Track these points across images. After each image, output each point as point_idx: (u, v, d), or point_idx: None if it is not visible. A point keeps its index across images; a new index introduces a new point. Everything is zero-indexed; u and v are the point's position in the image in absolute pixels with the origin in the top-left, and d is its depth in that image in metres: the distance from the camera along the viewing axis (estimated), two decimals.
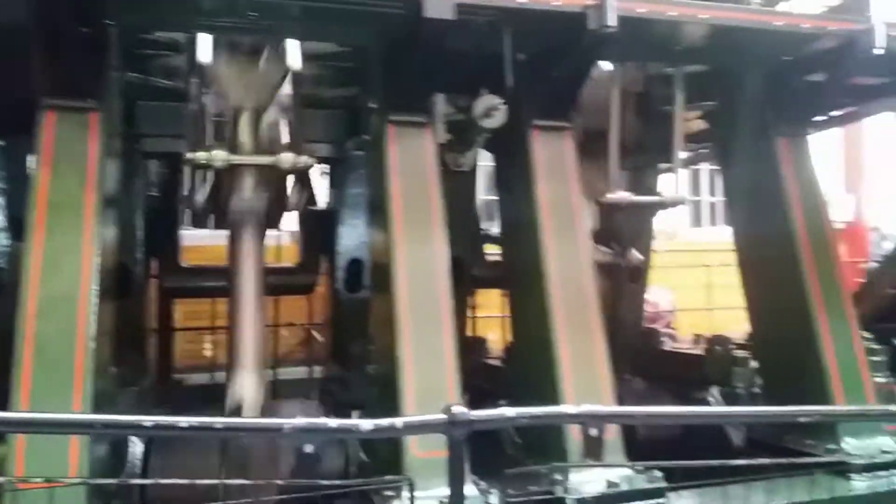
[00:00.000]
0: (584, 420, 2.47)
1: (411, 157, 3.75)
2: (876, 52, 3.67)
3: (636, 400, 5.27)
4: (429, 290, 3.53)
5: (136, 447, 3.50)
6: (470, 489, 3.13)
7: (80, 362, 3.03)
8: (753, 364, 4.89)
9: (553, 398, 3.54)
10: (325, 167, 6.79)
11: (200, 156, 3.64)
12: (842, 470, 3.69)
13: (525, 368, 4.14)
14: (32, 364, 2.98)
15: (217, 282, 5.11)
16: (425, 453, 3.12)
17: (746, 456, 3.75)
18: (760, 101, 4.39)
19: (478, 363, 6.49)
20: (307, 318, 7.56)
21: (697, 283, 12.81)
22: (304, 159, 3.80)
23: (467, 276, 6.20)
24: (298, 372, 7.16)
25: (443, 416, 2.19)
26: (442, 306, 3.54)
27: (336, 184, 6.67)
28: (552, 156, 4.00)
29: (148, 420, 2.27)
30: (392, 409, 3.24)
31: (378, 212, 3.86)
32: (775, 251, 4.39)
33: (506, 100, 3.89)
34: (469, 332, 7.26)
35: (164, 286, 6.30)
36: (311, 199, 6.46)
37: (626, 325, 6.17)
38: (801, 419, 3.01)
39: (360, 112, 4.51)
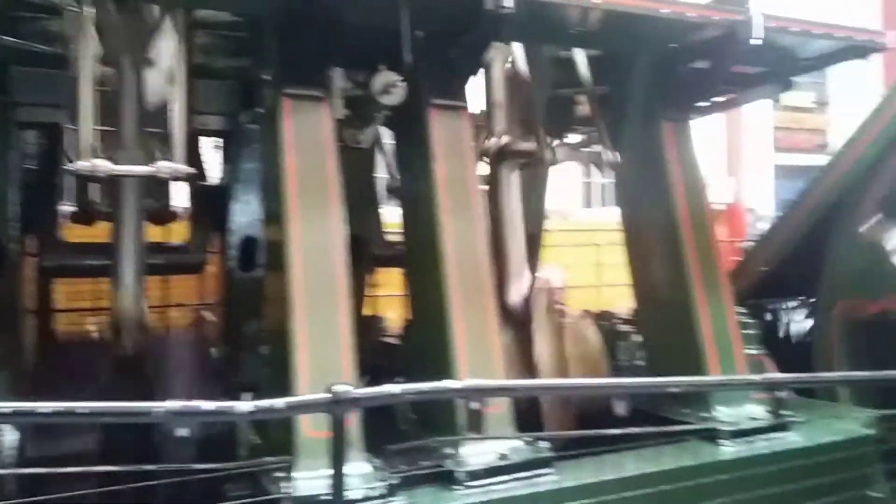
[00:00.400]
0: (468, 395, 2.51)
1: (307, 131, 3.67)
2: (753, 42, 3.88)
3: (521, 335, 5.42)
4: (324, 268, 3.49)
5: (7, 436, 3.30)
6: (361, 467, 3.15)
7: None
8: (637, 338, 5.14)
9: (448, 374, 3.59)
10: (218, 140, 6.56)
11: (83, 166, 3.44)
12: (712, 436, 3.94)
13: (422, 346, 4.18)
14: None
15: (101, 260, 4.87)
16: (316, 433, 3.09)
17: (630, 426, 3.95)
18: (648, 86, 4.58)
19: (377, 342, 6.50)
20: (198, 298, 7.31)
21: (588, 261, 13.29)
22: (182, 168, 3.64)
23: (367, 254, 6.17)
24: None
25: (326, 396, 2.18)
26: (338, 285, 3.50)
27: (229, 158, 6.44)
28: (449, 135, 4.02)
29: (6, 406, 2.13)
30: (285, 390, 3.20)
31: (272, 188, 3.76)
32: (658, 231, 4.62)
33: (405, 77, 3.87)
34: (370, 312, 7.25)
35: (43, 264, 5.92)
36: (202, 174, 6.26)
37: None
38: (670, 389, 3.17)
39: (255, 84, 4.38)
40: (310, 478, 2.94)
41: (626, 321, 5.53)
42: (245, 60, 4.64)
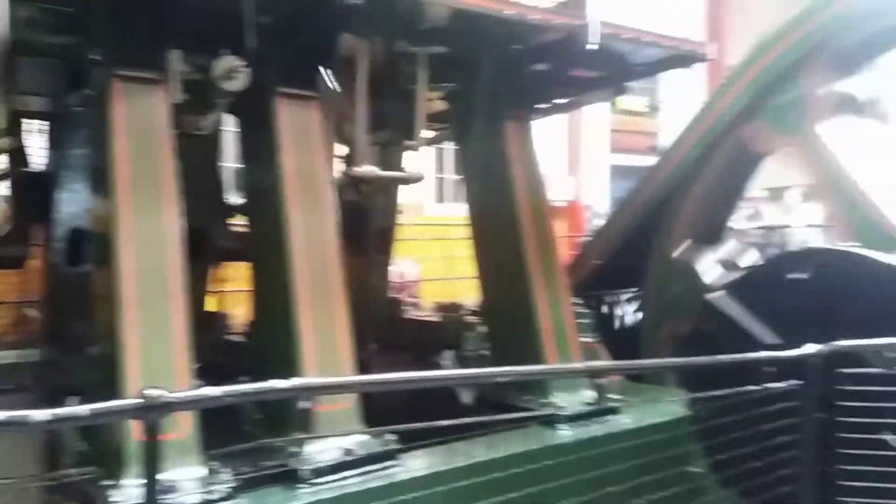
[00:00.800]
0: (296, 394, 2.44)
1: (140, 116, 3.44)
2: (590, 46, 4.09)
3: (379, 368, 5.46)
4: (157, 262, 3.29)
5: None
6: (197, 470, 3.02)
7: None
8: (482, 329, 5.30)
9: (294, 372, 3.52)
10: (43, 123, 6.00)
11: None
12: (552, 421, 4.15)
13: (267, 343, 4.06)
14: None
15: None
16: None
17: (477, 414, 4.06)
18: (493, 85, 4.72)
19: (221, 340, 6.25)
20: (20, 294, 6.67)
21: (441, 254, 13.52)
22: None
23: (210, 248, 5.91)
24: (9, 356, 6.31)
25: (137, 401, 2.04)
26: (172, 280, 3.32)
27: (55, 143, 5.92)
28: (298, 125, 3.93)
29: None
30: (114, 393, 3.00)
31: (101, 176, 3.50)
32: (500, 226, 4.78)
33: (249, 63, 3.73)
34: (214, 308, 6.95)
35: None
36: (24, 159, 5.71)
37: (373, 296, 6.35)
38: (499, 379, 3.30)
39: (83, 63, 4.05)
40: (138, 485, 2.77)
41: (473, 313, 5.68)
42: (72, 37, 4.27)
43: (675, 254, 5.77)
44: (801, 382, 3.46)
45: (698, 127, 5.80)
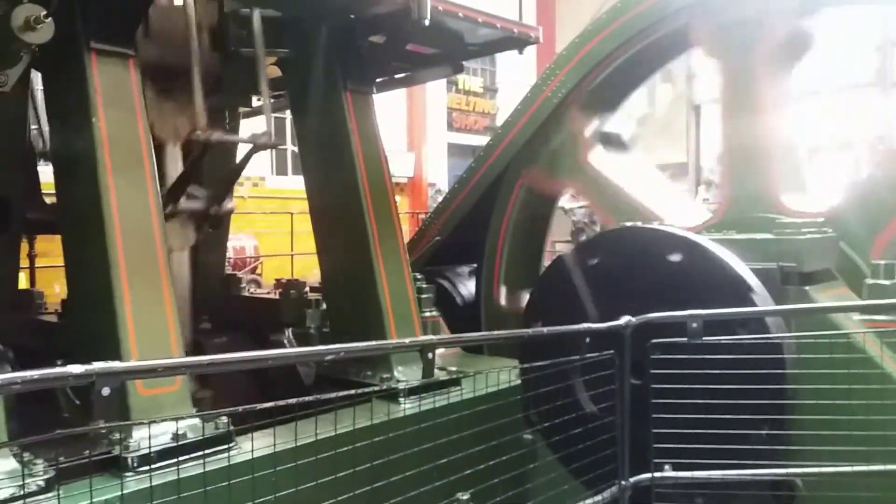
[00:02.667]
0: (94, 379, 2.23)
1: None
2: (421, 21, 4.06)
3: (215, 348, 5.22)
4: None
5: None
6: (6, 463, 2.74)
7: None
8: (324, 306, 5.21)
9: (115, 355, 3.25)
10: None
11: None
12: (394, 395, 4.17)
13: (84, 323, 3.72)
14: None
15: None
16: None
17: (319, 392, 3.99)
18: (330, 55, 4.58)
19: (33, 321, 5.71)
20: None
21: (283, 229, 13.15)
22: None
23: (18, 219, 5.32)
24: None
25: None
26: None
27: None
28: (114, 85, 3.58)
29: None
30: None
31: None
32: (342, 200, 4.70)
33: (52, 12, 3.34)
34: (28, 285, 6.32)
35: None
36: None
37: (208, 272, 6.03)
38: (331, 356, 3.28)
39: None
40: None
41: (314, 289, 5.57)
42: None
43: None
44: (615, 351, 3.69)
45: (528, 108, 6.04)
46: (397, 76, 5.54)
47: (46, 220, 5.41)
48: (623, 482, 3.74)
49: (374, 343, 4.25)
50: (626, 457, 3.73)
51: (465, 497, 3.56)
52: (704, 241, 4.19)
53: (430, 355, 3.85)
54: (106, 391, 2.26)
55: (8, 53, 3.61)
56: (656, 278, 4.09)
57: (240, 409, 2.97)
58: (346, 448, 3.51)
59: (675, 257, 4.07)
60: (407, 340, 4.41)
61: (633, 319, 3.67)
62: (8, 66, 3.81)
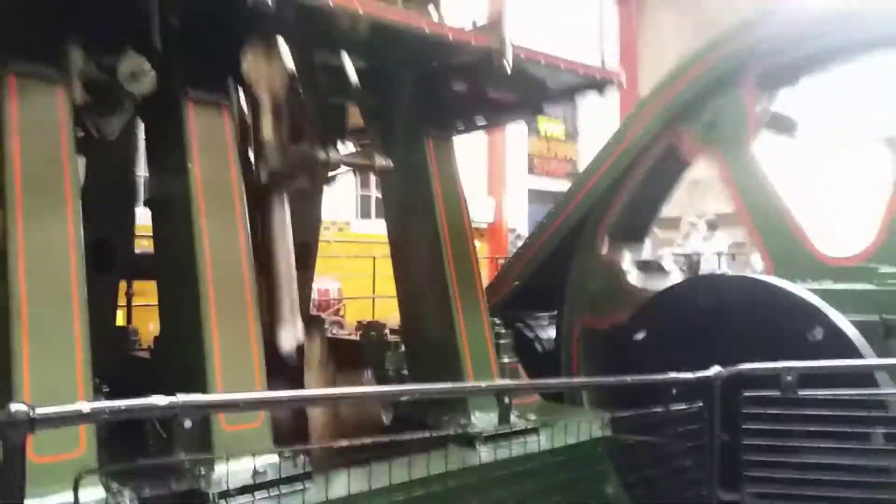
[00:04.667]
0: (178, 411, 2.28)
1: (37, 116, 3.20)
2: (505, 70, 4.11)
3: (294, 387, 5.30)
4: (54, 275, 3.08)
5: None
6: (96, 492, 2.83)
7: None
8: (403, 349, 5.22)
9: (202, 390, 3.36)
10: None
11: None
12: (470, 441, 4.10)
13: (175, 360, 3.86)
14: None
15: None
16: (51, 457, 2.76)
17: (394, 434, 3.98)
18: (412, 101, 4.69)
19: (128, 357, 5.96)
20: None
21: (365, 272, 13.34)
22: None
23: (119, 259, 5.63)
24: None
25: None
26: (72, 294, 3.11)
27: None
28: (208, 132, 3.77)
29: None
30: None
31: None
32: (421, 244, 4.74)
33: (155, 64, 3.56)
34: (122, 323, 6.63)
35: None
36: None
37: None
38: (406, 397, 3.26)
39: None
40: None
41: (393, 332, 5.60)
42: None
43: (601, 251, 5.90)
44: (703, 404, 3.52)
45: (610, 154, 5.97)
46: (478, 121, 5.59)
47: (143, 265, 5.68)
48: None
49: (448, 385, 4.22)
50: None
51: None
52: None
53: (506, 400, 3.78)
54: (188, 423, 2.32)
55: (114, 103, 3.88)
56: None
57: (316, 446, 3.00)
58: (419, 493, 3.48)
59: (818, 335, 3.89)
60: (483, 384, 4.36)
61: (724, 370, 3.49)
62: (114, 114, 4.10)
